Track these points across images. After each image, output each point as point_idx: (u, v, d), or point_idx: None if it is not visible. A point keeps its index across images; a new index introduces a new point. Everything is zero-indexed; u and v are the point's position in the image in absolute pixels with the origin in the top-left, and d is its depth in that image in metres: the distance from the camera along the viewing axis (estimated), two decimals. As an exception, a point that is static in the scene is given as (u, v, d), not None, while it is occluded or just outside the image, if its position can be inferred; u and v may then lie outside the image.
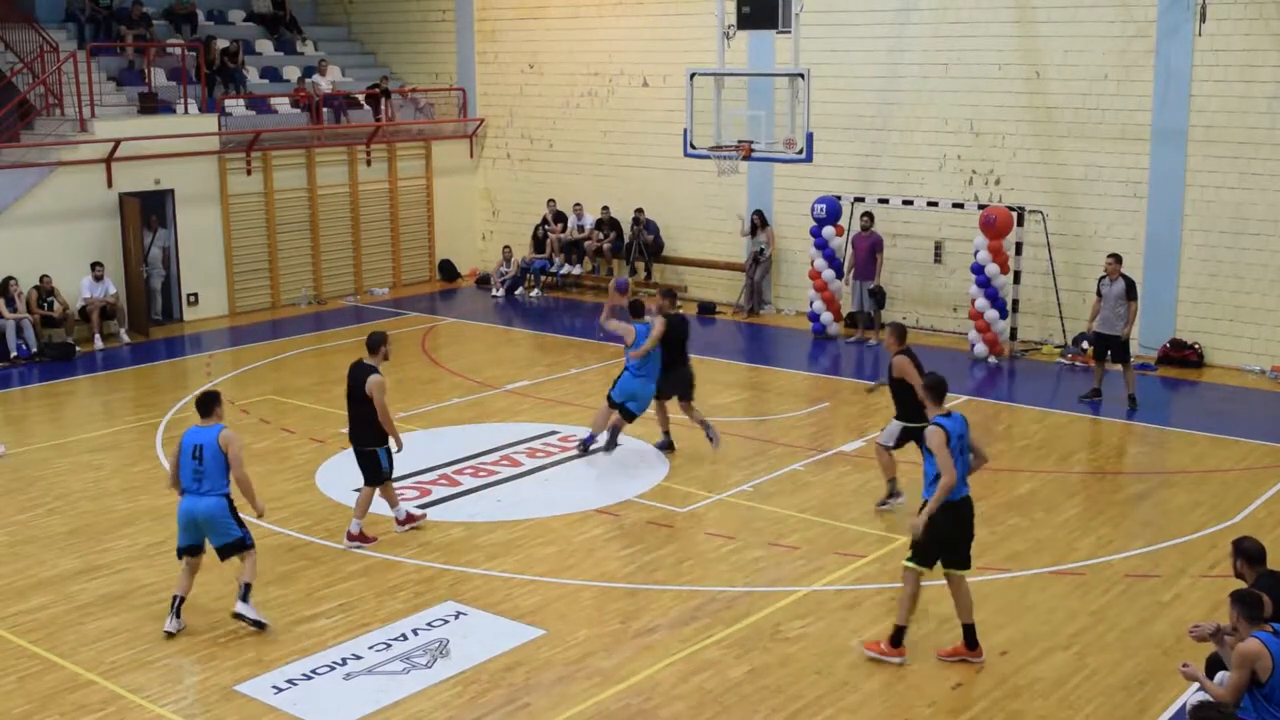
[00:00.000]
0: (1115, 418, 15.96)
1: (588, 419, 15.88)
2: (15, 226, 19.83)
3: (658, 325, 13.89)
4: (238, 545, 10.28)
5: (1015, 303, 19.13)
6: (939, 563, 9.54)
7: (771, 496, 13.21)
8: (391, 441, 11.88)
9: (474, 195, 26.30)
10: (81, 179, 20.52)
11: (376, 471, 11.94)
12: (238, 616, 10.24)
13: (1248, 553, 8.39)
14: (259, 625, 10.21)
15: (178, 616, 10.26)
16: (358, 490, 12.20)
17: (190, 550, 10.30)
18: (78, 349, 19.57)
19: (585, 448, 14.49)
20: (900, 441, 12.52)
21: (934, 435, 9.32)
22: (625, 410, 14.07)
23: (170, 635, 10.16)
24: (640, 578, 11.25)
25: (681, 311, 14.84)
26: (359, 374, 11.85)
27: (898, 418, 12.53)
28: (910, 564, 9.56)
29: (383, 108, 24.89)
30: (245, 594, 10.26)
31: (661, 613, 10.52)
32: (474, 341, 20.78)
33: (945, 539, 9.44)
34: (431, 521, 12.55)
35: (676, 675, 9.47)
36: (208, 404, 10.39)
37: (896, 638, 9.62)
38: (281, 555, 11.76)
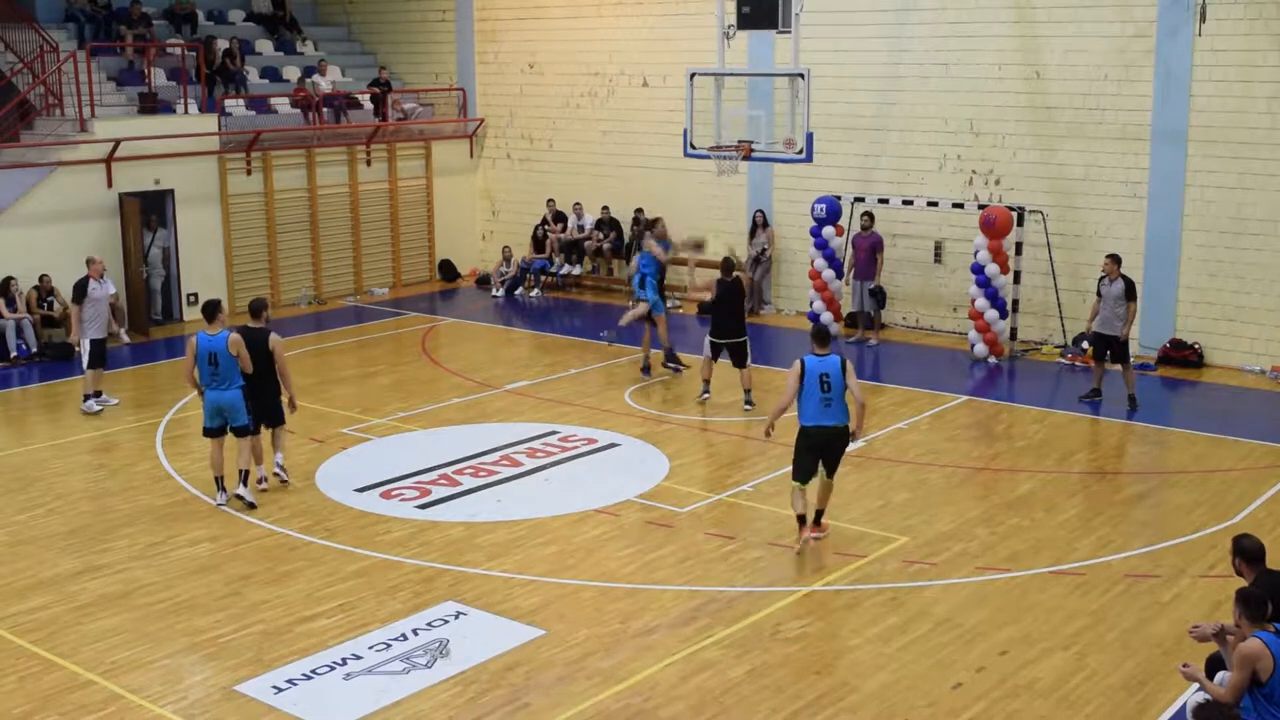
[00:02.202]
0: (1115, 418, 15.96)
1: (588, 419, 15.92)
2: (15, 226, 19.82)
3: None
4: (243, 430, 12.95)
5: (1015, 303, 19.13)
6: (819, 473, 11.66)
7: (771, 496, 13.20)
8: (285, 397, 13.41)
9: (474, 195, 26.30)
10: (81, 179, 20.51)
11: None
12: (238, 497, 12.92)
13: (1246, 551, 8.40)
14: (251, 505, 12.83)
15: (244, 484, 12.97)
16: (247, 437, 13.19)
17: (215, 432, 12.91)
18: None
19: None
20: (714, 353, 16.34)
21: (793, 366, 11.52)
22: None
23: (251, 504, 12.84)
24: (640, 578, 11.25)
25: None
26: (260, 336, 13.14)
27: (709, 334, 16.34)
28: (793, 482, 11.70)
29: (384, 104, 24.86)
30: (244, 479, 13.01)
31: (661, 613, 10.52)
32: (474, 341, 20.77)
33: (804, 458, 11.54)
34: (431, 522, 12.56)
35: (676, 675, 9.46)
36: (211, 311, 12.91)
37: (801, 521, 11.64)
38: (282, 555, 11.76)
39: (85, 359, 16.51)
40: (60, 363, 19.08)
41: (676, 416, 16.02)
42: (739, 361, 16.31)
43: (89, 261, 16.77)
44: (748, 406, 16.15)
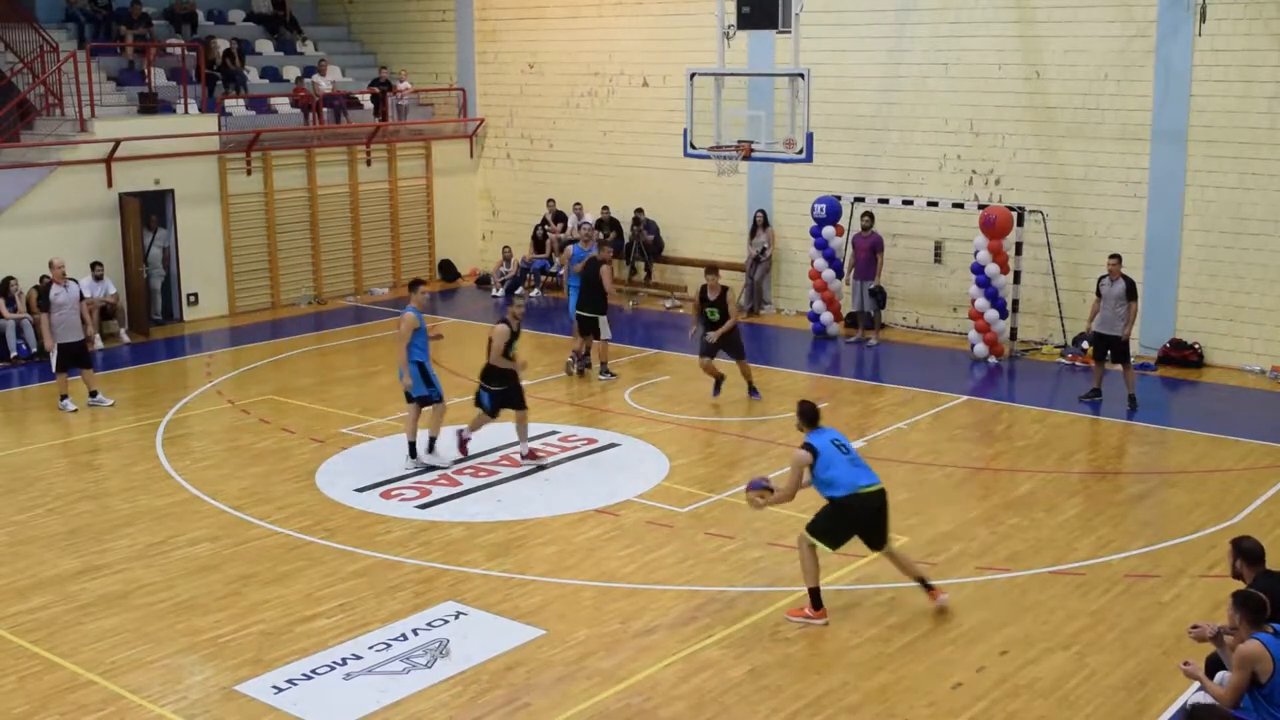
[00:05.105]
0: (1115, 418, 15.96)
1: (588, 419, 15.92)
2: (15, 226, 19.83)
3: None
4: (423, 400, 13.92)
5: (1015, 303, 19.13)
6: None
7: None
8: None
9: (474, 195, 26.30)
10: (81, 179, 20.52)
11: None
12: (429, 465, 13.97)
13: (1247, 552, 8.39)
14: (436, 466, 13.95)
15: (429, 450, 14.08)
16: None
17: (406, 397, 13.99)
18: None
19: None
20: (585, 330, 17.74)
21: (796, 457, 10.26)
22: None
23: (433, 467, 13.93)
24: (640, 578, 11.25)
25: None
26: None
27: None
28: (809, 536, 10.33)
29: (384, 103, 24.86)
30: (430, 445, 14.04)
31: (661, 613, 10.52)
32: (474, 341, 20.74)
33: (843, 527, 10.27)
34: (431, 521, 12.57)
35: (676, 675, 9.46)
36: (412, 285, 14.29)
37: (815, 600, 10.32)
38: (281, 555, 11.77)
39: (53, 363, 16.61)
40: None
41: (676, 416, 16.01)
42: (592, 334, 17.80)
43: (51, 265, 16.73)
44: (604, 377, 17.74)
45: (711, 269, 16.81)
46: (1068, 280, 19.19)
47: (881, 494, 10.28)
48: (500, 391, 14.01)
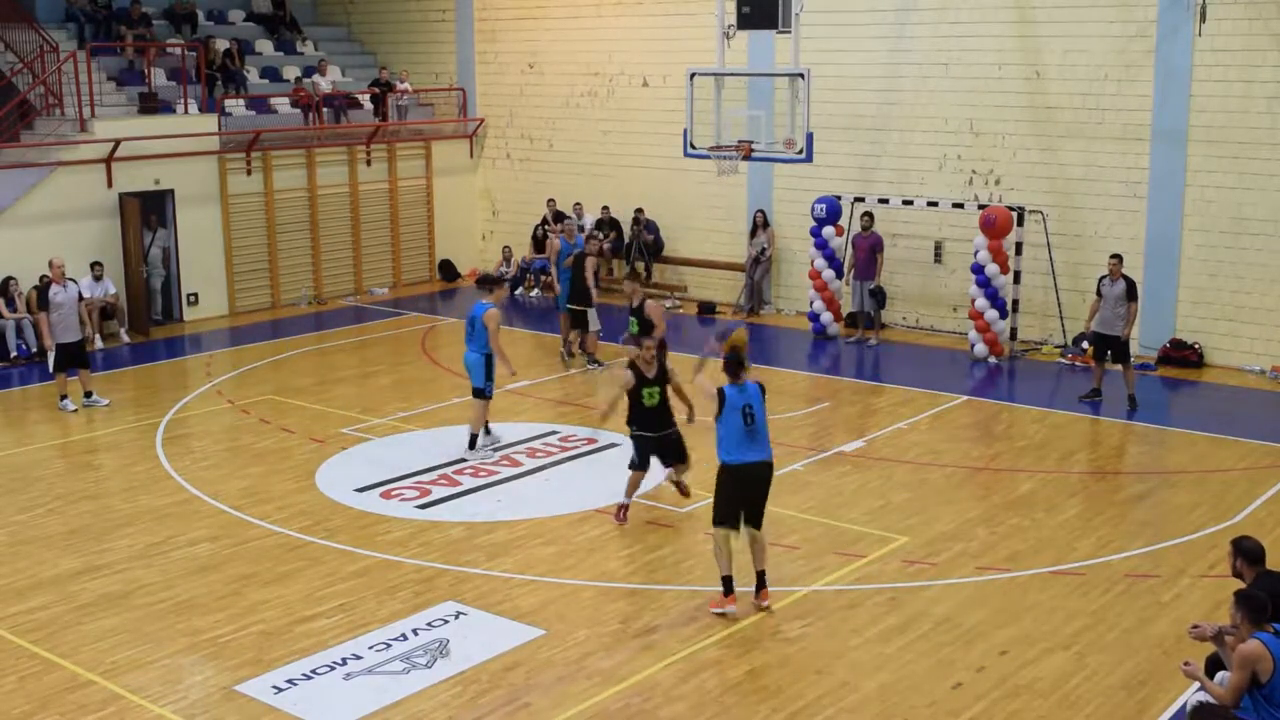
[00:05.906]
0: (1115, 418, 15.96)
1: (588, 419, 15.90)
2: (15, 226, 19.83)
3: None
4: (478, 393, 14.28)
5: (1015, 303, 19.12)
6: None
7: (771, 497, 13.13)
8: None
9: (474, 195, 26.30)
10: (81, 179, 20.52)
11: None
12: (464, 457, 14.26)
13: (1247, 552, 8.39)
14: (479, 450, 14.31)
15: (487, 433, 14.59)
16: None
17: (475, 394, 14.37)
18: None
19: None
20: (575, 323, 18.43)
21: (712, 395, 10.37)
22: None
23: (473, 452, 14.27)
24: (640, 578, 11.26)
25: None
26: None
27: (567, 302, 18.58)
28: (717, 529, 10.41)
29: (384, 104, 24.87)
30: (471, 443, 14.31)
31: (661, 613, 10.52)
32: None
33: (731, 500, 10.33)
34: (431, 521, 12.57)
35: (676, 675, 9.46)
36: (488, 284, 14.85)
37: (726, 588, 10.37)
38: (281, 555, 11.77)
39: (50, 363, 16.63)
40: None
41: (676, 416, 15.98)
42: (582, 327, 18.36)
43: (51, 265, 16.75)
44: (592, 367, 18.22)
45: (631, 274, 16.31)
46: (1068, 280, 19.19)
47: (767, 466, 10.41)
48: (654, 439, 12.39)
